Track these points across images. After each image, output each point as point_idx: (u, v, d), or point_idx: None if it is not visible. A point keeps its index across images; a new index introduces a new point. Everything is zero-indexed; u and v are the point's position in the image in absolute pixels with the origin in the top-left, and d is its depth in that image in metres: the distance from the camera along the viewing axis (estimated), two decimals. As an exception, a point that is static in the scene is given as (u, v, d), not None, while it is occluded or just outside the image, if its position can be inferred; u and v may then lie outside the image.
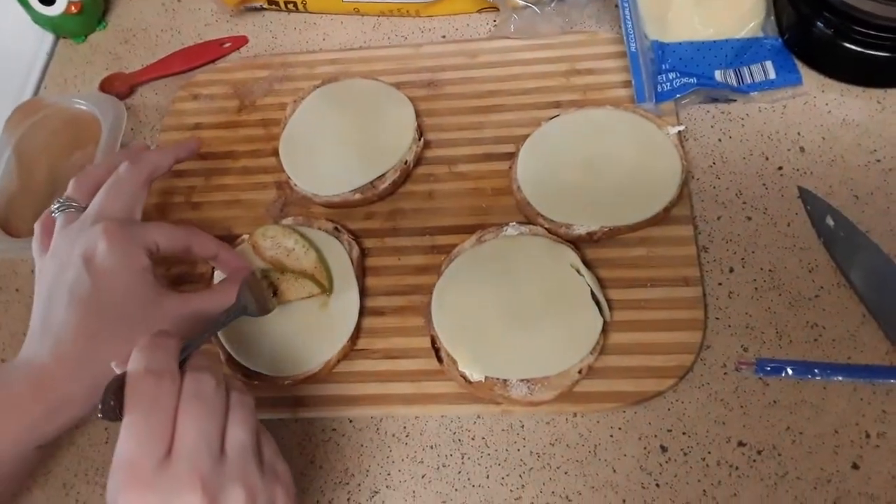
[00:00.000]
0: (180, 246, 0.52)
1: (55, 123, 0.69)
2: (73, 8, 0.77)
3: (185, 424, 0.38)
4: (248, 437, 0.40)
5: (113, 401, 0.38)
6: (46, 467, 0.57)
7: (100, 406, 0.38)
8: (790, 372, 0.53)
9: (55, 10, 0.76)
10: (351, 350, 0.57)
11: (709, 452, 0.52)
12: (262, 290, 0.55)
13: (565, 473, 0.52)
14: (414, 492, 0.53)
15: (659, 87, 0.64)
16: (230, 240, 0.62)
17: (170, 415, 0.38)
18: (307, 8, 0.76)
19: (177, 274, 0.63)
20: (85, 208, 0.52)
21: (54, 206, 0.53)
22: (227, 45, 0.77)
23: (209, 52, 0.76)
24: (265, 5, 0.77)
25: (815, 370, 0.52)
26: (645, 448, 0.53)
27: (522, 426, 0.55)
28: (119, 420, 0.38)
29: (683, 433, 0.53)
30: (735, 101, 0.65)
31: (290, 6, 0.76)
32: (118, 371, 0.39)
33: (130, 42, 0.80)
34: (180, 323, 0.49)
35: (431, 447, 0.55)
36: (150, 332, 0.42)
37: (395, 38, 0.75)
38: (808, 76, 0.65)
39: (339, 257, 0.59)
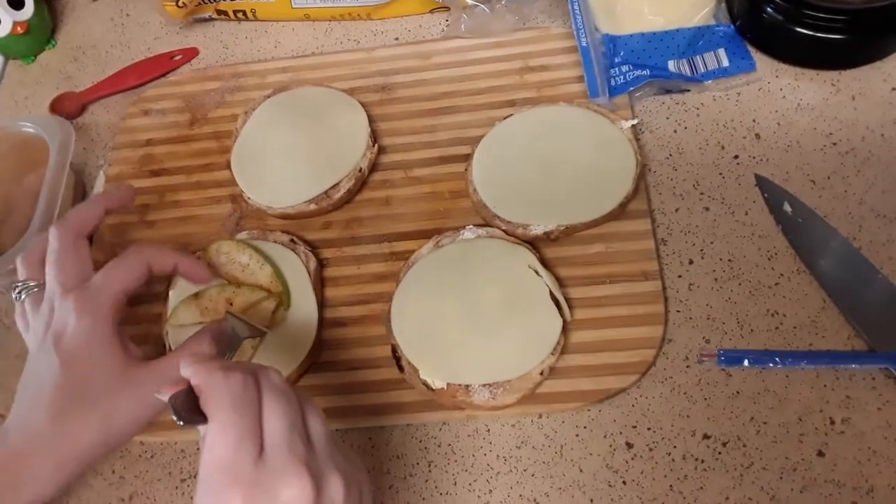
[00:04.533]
0: (143, 278, 0.51)
1: (3, 148, 0.67)
2: (18, 28, 0.76)
3: (273, 417, 0.38)
4: (324, 427, 0.40)
5: (184, 410, 0.37)
6: None
7: (175, 416, 0.37)
8: (750, 362, 0.52)
9: (0, 31, 0.75)
10: (313, 363, 0.56)
11: (674, 447, 0.51)
12: (246, 316, 0.54)
13: (532, 476, 0.52)
14: (382, 503, 0.53)
15: (612, 80, 0.64)
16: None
17: (256, 411, 0.38)
18: (257, 16, 0.75)
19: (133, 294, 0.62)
20: (43, 284, 0.51)
21: (15, 292, 0.52)
22: (178, 57, 0.75)
23: (160, 66, 0.75)
24: (214, 15, 0.76)
25: (777, 358, 0.52)
26: (611, 446, 0.52)
27: (488, 430, 0.54)
28: (201, 423, 0.37)
29: (648, 429, 0.52)
30: (689, 90, 0.64)
31: (240, 15, 0.75)
32: (163, 398, 0.38)
33: (80, 60, 0.79)
34: (152, 389, 0.48)
35: (398, 457, 0.54)
36: (118, 404, 0.45)
37: (347, 43, 0.74)
38: (762, 62, 0.65)
39: (296, 270, 0.58)
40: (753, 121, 0.63)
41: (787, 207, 0.58)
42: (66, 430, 0.46)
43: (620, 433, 0.52)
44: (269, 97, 0.67)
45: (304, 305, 0.57)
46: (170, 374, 0.48)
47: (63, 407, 0.46)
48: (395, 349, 0.55)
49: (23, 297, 0.52)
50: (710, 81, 0.64)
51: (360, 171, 0.62)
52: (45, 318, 0.49)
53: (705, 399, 0.52)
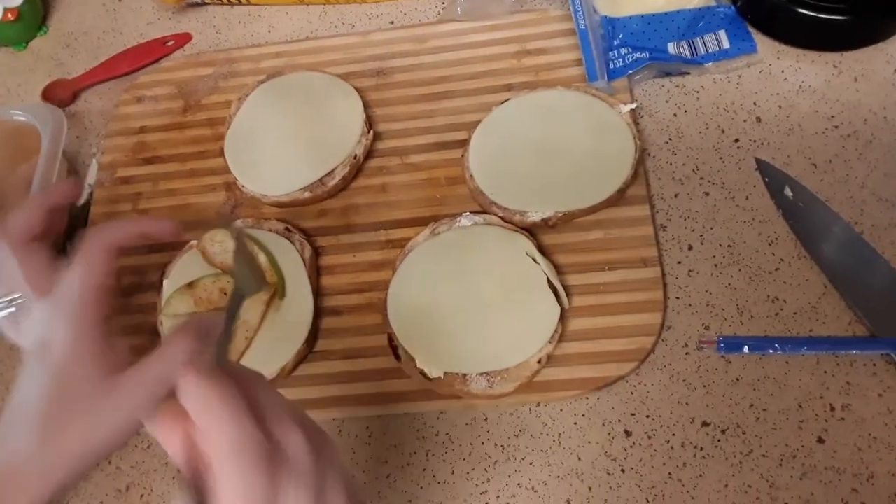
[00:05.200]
0: (110, 264, 0.47)
1: (-5, 137, 0.67)
2: (9, 15, 0.75)
3: None
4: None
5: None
6: None
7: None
8: (750, 348, 0.52)
9: (-10, 18, 0.74)
10: (309, 353, 0.56)
11: (673, 434, 0.51)
12: (253, 258, 0.50)
13: (530, 464, 0.52)
14: (379, 492, 0.53)
15: (611, 63, 0.63)
16: (179, 246, 0.61)
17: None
18: (250, 0, 0.74)
19: (127, 284, 0.61)
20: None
21: (2, 314, 0.50)
22: (171, 43, 0.74)
23: (152, 52, 0.74)
24: (207, 0, 0.75)
25: (776, 345, 0.52)
26: (609, 434, 0.52)
27: (486, 419, 0.54)
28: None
29: (647, 416, 0.52)
30: (689, 73, 0.63)
31: (233, -1, 0.74)
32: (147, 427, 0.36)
33: (73, 46, 0.78)
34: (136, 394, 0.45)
35: (395, 446, 0.54)
36: (103, 412, 0.42)
37: (342, 27, 0.73)
38: (763, 43, 0.64)
39: (291, 258, 0.57)
40: (754, 104, 0.62)
41: (788, 192, 0.57)
42: (49, 443, 0.44)
43: (619, 421, 0.52)
44: (262, 83, 0.66)
45: (299, 294, 0.56)
46: (154, 377, 0.44)
47: (46, 419, 0.44)
48: (391, 338, 0.54)
49: (12, 310, 0.50)
50: (710, 64, 0.63)
51: (356, 157, 0.61)
52: (36, 327, 0.47)
53: (704, 386, 0.52)
